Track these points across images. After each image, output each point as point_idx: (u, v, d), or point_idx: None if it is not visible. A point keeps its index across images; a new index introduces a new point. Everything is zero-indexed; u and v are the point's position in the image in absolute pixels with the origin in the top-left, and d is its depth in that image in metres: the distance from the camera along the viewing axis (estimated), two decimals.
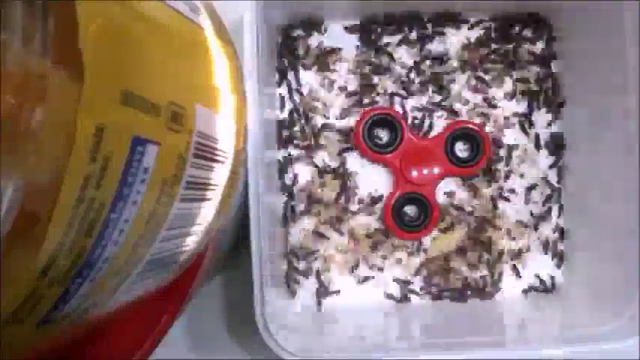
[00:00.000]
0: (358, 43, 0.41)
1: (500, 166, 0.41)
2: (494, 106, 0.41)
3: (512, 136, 0.41)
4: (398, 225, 0.40)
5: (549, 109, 0.41)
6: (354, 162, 0.41)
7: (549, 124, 0.41)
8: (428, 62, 0.41)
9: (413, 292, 0.40)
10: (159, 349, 0.27)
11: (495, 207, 0.41)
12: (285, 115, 0.40)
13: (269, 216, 0.33)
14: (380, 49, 0.41)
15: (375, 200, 0.40)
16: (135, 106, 0.18)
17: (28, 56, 0.14)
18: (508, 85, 0.41)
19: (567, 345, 0.33)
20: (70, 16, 0.15)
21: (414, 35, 0.41)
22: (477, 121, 0.41)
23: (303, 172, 0.40)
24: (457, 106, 0.41)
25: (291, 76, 0.41)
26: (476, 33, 0.41)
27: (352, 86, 0.41)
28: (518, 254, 0.41)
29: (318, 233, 0.40)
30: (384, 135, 0.40)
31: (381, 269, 0.40)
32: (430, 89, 0.41)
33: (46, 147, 0.15)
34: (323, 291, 0.40)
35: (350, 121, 0.40)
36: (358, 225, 0.40)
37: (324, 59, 0.41)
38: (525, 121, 0.41)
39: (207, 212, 0.24)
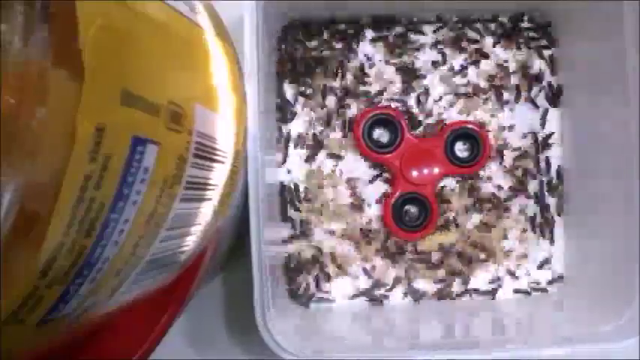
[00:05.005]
0: (357, 43, 0.41)
1: (500, 166, 0.41)
2: (495, 106, 0.41)
3: (511, 136, 0.41)
4: (398, 225, 0.40)
5: (549, 110, 0.41)
6: (353, 162, 0.41)
7: (549, 124, 0.41)
8: (428, 62, 0.41)
9: (412, 291, 0.40)
10: (159, 349, 0.27)
11: (495, 207, 0.41)
12: (284, 115, 0.40)
13: (269, 216, 0.33)
14: (380, 48, 0.41)
15: (374, 200, 0.40)
16: (135, 106, 0.18)
17: (28, 56, 0.14)
18: (507, 84, 0.41)
19: (567, 345, 0.33)
20: (70, 16, 0.15)
21: (413, 35, 0.41)
22: (477, 120, 0.41)
23: (303, 172, 0.40)
24: (457, 106, 0.41)
25: (291, 75, 0.41)
26: (476, 33, 0.41)
27: (352, 86, 0.41)
28: (517, 254, 0.41)
29: (318, 233, 0.40)
30: (384, 135, 0.40)
31: (380, 269, 0.40)
32: (430, 89, 0.41)
33: (46, 147, 0.15)
34: (323, 291, 0.40)
35: (349, 121, 0.40)
36: (358, 225, 0.40)
37: (324, 59, 0.41)
38: (525, 122, 0.41)
39: (207, 212, 0.24)
